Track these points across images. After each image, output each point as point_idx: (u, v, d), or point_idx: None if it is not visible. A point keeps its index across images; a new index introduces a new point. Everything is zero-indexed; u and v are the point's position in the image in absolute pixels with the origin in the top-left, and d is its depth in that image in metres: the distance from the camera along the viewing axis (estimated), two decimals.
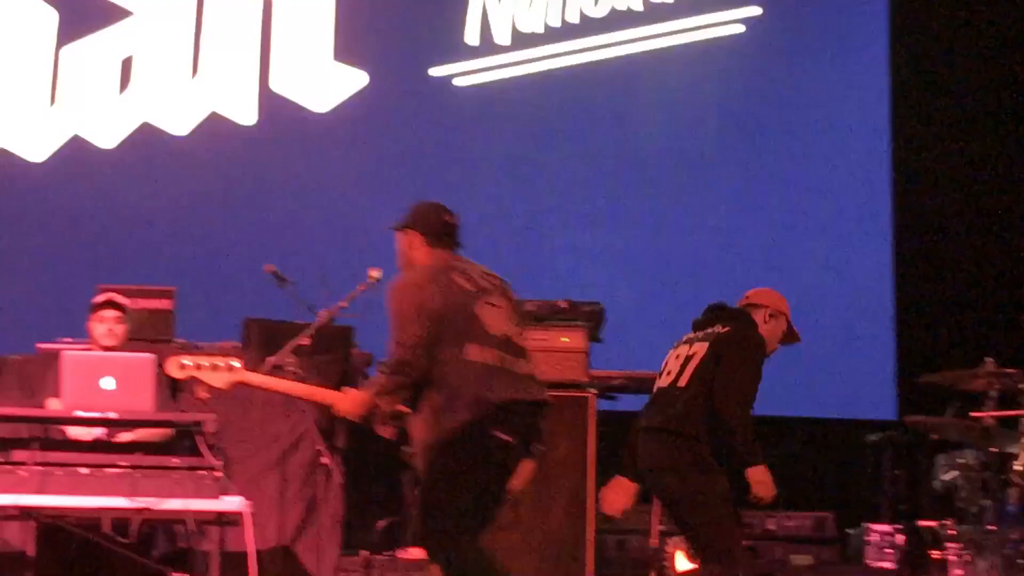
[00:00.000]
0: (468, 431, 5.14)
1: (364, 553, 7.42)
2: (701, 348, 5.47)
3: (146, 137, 9.42)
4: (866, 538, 7.52)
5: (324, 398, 5.50)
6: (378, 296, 5.77)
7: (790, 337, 5.66)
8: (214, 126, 9.49)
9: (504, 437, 5.12)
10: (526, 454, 5.20)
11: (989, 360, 6.62)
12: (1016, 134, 9.94)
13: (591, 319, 7.27)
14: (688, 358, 5.48)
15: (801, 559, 7.51)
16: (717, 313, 5.62)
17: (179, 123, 9.49)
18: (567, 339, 7.10)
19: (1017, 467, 6.41)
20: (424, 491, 5.22)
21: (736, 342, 5.43)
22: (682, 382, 5.43)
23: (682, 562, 6.36)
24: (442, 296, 5.24)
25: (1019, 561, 6.42)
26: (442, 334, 5.20)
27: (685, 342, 5.57)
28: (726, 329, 5.48)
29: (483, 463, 5.14)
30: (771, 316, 5.62)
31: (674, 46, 9.85)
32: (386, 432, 5.40)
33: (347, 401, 5.36)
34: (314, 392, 5.58)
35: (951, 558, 6.31)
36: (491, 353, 5.22)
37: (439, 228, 5.51)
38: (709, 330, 5.52)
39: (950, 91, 9.97)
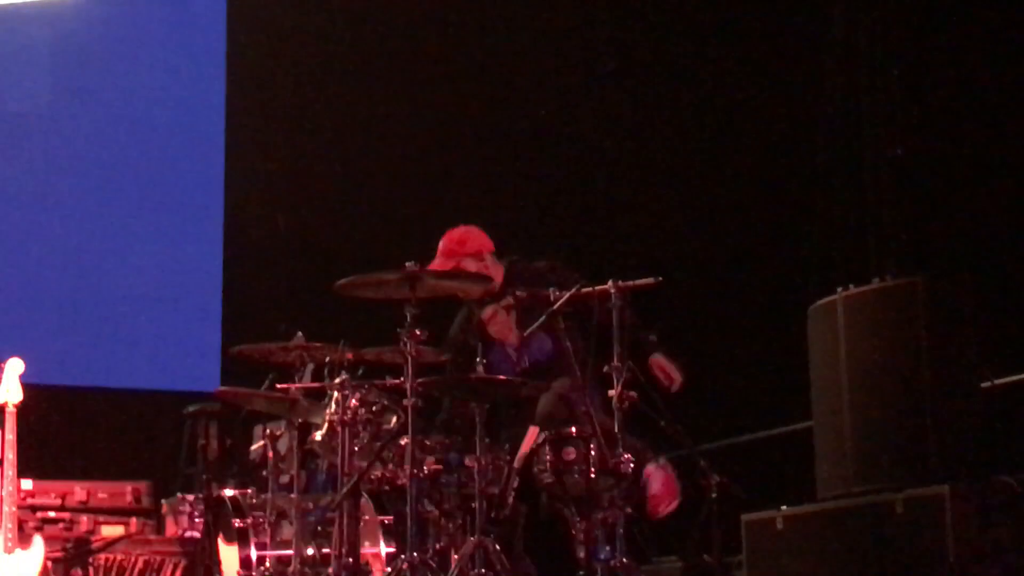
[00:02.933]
0: None
1: None
2: None
3: None
4: (180, 508, 7.60)
5: None
6: None
7: None
8: None
9: None
10: None
11: (300, 333, 6.81)
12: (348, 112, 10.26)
13: None
14: None
15: (112, 530, 7.46)
16: None
17: None
18: None
19: (317, 437, 6.64)
20: None
21: None
22: None
23: None
24: None
25: (320, 528, 6.62)
26: None
27: None
28: None
29: None
30: None
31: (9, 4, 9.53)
32: None
33: None
34: None
35: (254, 526, 6.44)
36: None
37: None
38: None
39: (285, 62, 10.14)
